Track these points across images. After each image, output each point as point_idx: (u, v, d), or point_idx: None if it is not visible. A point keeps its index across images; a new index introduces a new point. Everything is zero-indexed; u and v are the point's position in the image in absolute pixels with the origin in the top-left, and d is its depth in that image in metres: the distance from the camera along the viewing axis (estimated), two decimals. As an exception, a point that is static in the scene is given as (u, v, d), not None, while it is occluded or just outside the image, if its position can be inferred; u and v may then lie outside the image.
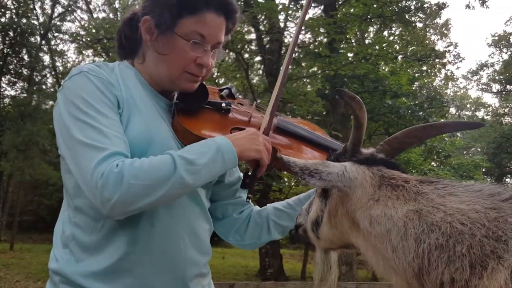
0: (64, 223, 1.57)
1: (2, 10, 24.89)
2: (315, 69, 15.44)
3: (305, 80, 16.90)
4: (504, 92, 35.70)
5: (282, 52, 16.15)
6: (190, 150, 1.43)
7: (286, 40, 16.26)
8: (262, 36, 16.96)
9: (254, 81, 19.27)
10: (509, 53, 34.32)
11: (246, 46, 17.71)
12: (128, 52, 1.73)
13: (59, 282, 1.50)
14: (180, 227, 1.57)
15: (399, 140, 1.42)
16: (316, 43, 16.29)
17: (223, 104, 1.70)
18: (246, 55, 18.41)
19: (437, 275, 1.06)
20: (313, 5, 16.35)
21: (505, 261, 0.97)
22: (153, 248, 1.51)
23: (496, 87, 36.61)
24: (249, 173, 1.61)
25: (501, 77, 34.93)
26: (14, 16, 25.02)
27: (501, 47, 34.70)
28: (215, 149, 1.43)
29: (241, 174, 1.80)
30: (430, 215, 1.12)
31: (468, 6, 16.54)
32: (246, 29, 17.53)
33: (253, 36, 17.82)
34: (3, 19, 24.87)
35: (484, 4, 16.28)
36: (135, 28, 1.65)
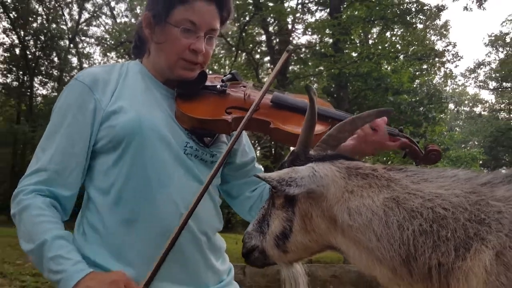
0: (82, 209, 1.62)
1: (34, 16, 25.12)
2: (321, 68, 15.44)
3: (312, 78, 16.75)
4: (500, 89, 35.46)
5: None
6: (62, 250, 1.39)
7: (294, 42, 16.17)
8: (272, 38, 16.87)
9: (265, 79, 19.11)
10: (505, 52, 34.14)
11: (256, 47, 17.66)
12: (141, 51, 1.72)
13: None
14: (177, 200, 1.52)
15: (334, 137, 1.39)
16: (322, 44, 16.29)
17: (218, 86, 1.69)
18: (257, 56, 18.36)
19: (424, 261, 1.01)
20: (319, 8, 16.23)
21: (489, 242, 0.94)
22: (151, 226, 1.49)
23: (492, 84, 36.38)
24: None
25: (497, 75, 34.75)
26: (45, 22, 25.28)
27: (497, 47, 34.47)
28: (63, 269, 1.36)
29: (254, 156, 1.85)
30: (407, 202, 1.07)
31: (466, 8, 16.30)
32: (256, 31, 17.46)
33: (263, 37, 17.77)
34: (34, 25, 25.14)
35: (481, 6, 16.02)
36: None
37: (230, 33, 15.47)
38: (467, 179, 1.07)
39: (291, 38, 16.67)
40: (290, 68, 17.31)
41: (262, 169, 1.84)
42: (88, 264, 1.43)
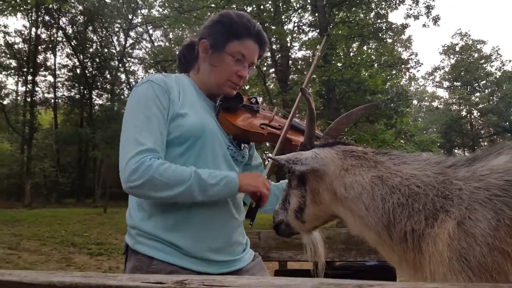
0: None
1: (90, 43, 25.14)
2: (314, 76, 15.26)
3: (307, 84, 16.52)
4: (452, 87, 35.22)
5: (289, 64, 15.92)
6: (206, 172, 1.39)
7: (292, 56, 16.04)
8: (275, 54, 16.75)
9: (271, 87, 19.03)
10: (455, 58, 33.88)
11: (263, 62, 17.54)
12: (185, 67, 1.70)
13: (136, 234, 1.46)
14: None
15: (334, 129, 1.39)
16: (315, 57, 15.98)
17: (254, 107, 1.70)
18: (264, 68, 18.27)
19: (401, 227, 1.00)
20: (311, 29, 16.12)
21: (452, 213, 0.93)
22: (204, 210, 1.46)
23: (446, 84, 36.12)
24: (253, 206, 1.54)
25: (450, 76, 34.68)
26: (98, 47, 25.29)
27: (449, 54, 34.18)
28: (223, 177, 1.39)
29: (261, 160, 1.82)
30: (389, 180, 1.06)
31: (424, 25, 16.15)
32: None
33: (268, 54, 17.67)
34: (91, 50, 25.16)
35: (436, 23, 15.83)
36: (191, 50, 1.66)
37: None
38: (436, 162, 1.06)
39: (290, 54, 16.53)
40: (290, 77, 17.22)
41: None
42: (148, 239, 1.42)
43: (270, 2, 15.81)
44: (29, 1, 10.85)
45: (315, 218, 1.28)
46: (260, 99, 1.91)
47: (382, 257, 1.11)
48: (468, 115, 33.64)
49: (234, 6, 13.59)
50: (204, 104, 1.58)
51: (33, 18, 22.94)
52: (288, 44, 16.96)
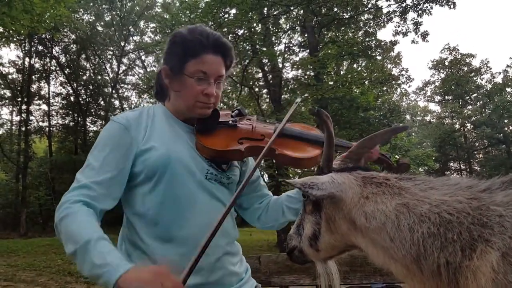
0: (122, 230, 1.52)
1: (83, 71, 25.30)
2: (307, 94, 15.41)
3: (300, 103, 16.63)
4: (443, 101, 35.46)
5: (282, 84, 16.08)
6: (103, 247, 1.17)
7: (284, 76, 16.22)
8: (267, 75, 16.92)
9: (264, 107, 19.16)
10: (445, 72, 34.17)
11: (256, 82, 17.72)
12: (162, 96, 1.61)
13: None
14: (202, 223, 1.38)
15: (354, 152, 1.29)
16: (306, 76, 16.29)
17: (230, 122, 1.60)
18: (256, 89, 18.42)
19: (433, 260, 0.91)
20: (301, 49, 16.37)
21: (494, 244, 0.84)
22: (182, 242, 1.38)
23: (437, 98, 36.36)
24: None
25: (441, 90, 34.87)
26: (92, 75, 25.43)
27: (439, 69, 34.50)
28: (106, 263, 1.13)
29: (259, 174, 1.75)
30: (417, 207, 0.97)
31: (413, 41, 16.27)
32: (255, 70, 17.55)
33: (260, 75, 17.87)
34: (84, 77, 25.27)
35: (425, 39, 16.07)
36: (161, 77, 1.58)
37: (234, 73, 15.55)
38: (468, 187, 0.97)
39: (282, 74, 16.70)
40: (282, 96, 17.37)
41: (265, 185, 1.78)
42: None
43: (260, 25, 16.10)
44: (22, 31, 11.00)
45: (331, 248, 1.19)
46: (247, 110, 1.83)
47: (389, 279, 1.04)
48: (462, 128, 33.80)
49: (225, 30, 13.80)
50: (180, 132, 1.51)
51: (26, 48, 23.09)
52: (280, 65, 17.16)
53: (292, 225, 1.35)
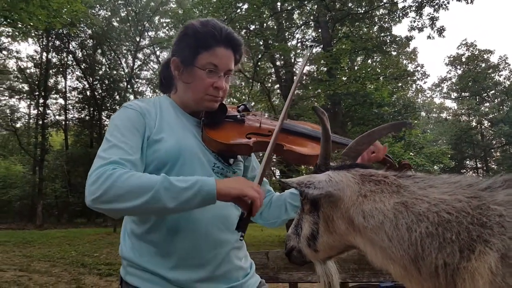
0: (126, 222, 1.50)
1: (99, 65, 25.60)
2: (319, 90, 15.32)
3: (312, 99, 16.63)
4: (460, 98, 34.86)
5: (294, 79, 15.98)
6: (177, 178, 1.22)
7: (296, 71, 16.14)
8: (279, 70, 16.86)
9: (276, 102, 19.11)
10: (462, 69, 33.63)
11: (267, 78, 17.67)
12: (167, 88, 1.61)
13: (126, 265, 1.40)
14: (212, 216, 1.40)
15: (353, 149, 1.26)
16: (319, 71, 16.17)
17: (238, 116, 1.60)
18: (269, 84, 18.38)
19: (431, 260, 0.88)
20: (315, 44, 16.24)
21: (493, 245, 0.81)
22: (190, 234, 1.37)
23: (454, 94, 35.79)
24: (244, 216, 1.33)
25: (457, 87, 34.32)
26: (107, 69, 25.73)
27: (456, 65, 33.96)
28: (196, 180, 1.20)
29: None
30: (415, 206, 0.94)
31: (429, 37, 15.98)
32: (267, 65, 17.51)
33: (272, 70, 17.80)
34: (100, 72, 25.59)
35: (441, 35, 15.75)
36: (168, 69, 1.56)
37: (247, 68, 15.55)
38: (468, 185, 0.93)
39: (294, 69, 16.63)
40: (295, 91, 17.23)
41: (267, 181, 1.75)
42: (137, 269, 1.36)
43: (273, 20, 16.04)
44: (39, 26, 11.16)
45: (329, 248, 1.16)
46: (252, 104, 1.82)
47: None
48: (478, 125, 33.24)
49: (237, 25, 13.78)
50: (187, 124, 1.50)
51: (44, 43, 23.53)
52: (292, 60, 17.08)
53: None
